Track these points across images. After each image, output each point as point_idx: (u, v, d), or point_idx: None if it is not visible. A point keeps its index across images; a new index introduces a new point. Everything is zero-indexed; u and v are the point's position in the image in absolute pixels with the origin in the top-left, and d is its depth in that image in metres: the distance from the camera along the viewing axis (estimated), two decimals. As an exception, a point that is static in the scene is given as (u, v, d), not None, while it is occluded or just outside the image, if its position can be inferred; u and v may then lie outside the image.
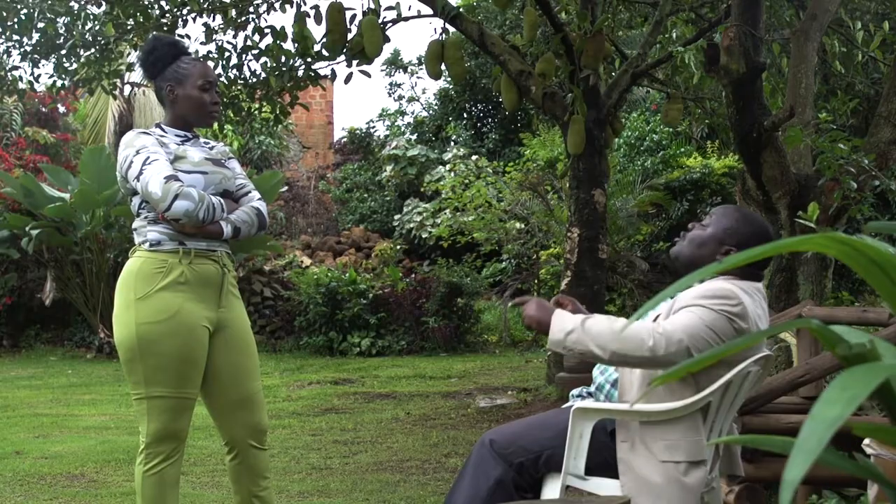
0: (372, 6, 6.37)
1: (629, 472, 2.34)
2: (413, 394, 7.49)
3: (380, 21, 6.31)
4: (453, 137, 15.68)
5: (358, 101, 32.14)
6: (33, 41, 6.90)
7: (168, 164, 2.62)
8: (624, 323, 2.28)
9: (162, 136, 2.74)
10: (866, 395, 0.74)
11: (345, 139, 17.59)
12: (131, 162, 2.63)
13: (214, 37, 6.95)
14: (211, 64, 7.00)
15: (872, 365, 0.81)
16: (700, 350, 2.26)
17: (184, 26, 7.15)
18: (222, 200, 2.70)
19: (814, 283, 4.91)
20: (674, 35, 7.84)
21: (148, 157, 2.60)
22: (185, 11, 6.87)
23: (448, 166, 13.54)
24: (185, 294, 2.64)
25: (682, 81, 7.54)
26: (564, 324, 2.32)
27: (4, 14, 6.68)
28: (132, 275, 2.64)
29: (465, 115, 16.10)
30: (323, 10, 6.30)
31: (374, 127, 17.38)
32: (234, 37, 7.21)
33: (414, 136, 16.31)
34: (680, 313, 2.31)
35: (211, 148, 2.86)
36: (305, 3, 6.92)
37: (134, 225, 2.73)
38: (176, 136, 2.77)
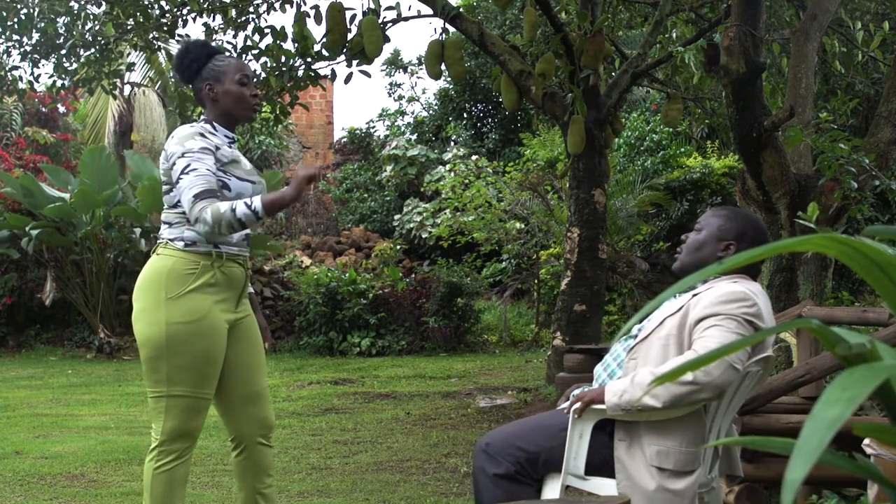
0: (372, 6, 6.38)
1: (623, 471, 2.36)
2: (413, 394, 7.49)
3: (380, 21, 6.31)
4: (453, 137, 15.68)
5: (358, 101, 32.18)
6: (33, 41, 6.91)
7: (205, 177, 2.58)
8: (666, 367, 2.29)
9: (213, 133, 2.73)
10: (866, 395, 0.74)
11: (345, 139, 17.59)
12: (174, 163, 2.63)
13: (214, 37, 6.96)
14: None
15: (872, 365, 0.81)
16: (741, 360, 2.28)
17: (184, 26, 7.15)
18: (256, 207, 2.57)
19: (814, 283, 4.91)
20: (674, 35, 7.84)
21: (188, 165, 2.59)
22: (185, 11, 6.87)
23: (448, 166, 13.55)
24: (214, 296, 2.66)
25: (682, 81, 7.55)
26: (616, 388, 2.35)
27: (4, 14, 6.68)
28: (163, 274, 2.62)
29: (465, 115, 16.10)
30: (323, 10, 6.31)
31: (374, 127, 17.39)
32: (234, 37, 7.22)
33: (414, 136, 16.31)
34: (708, 332, 2.31)
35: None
36: (305, 3, 6.93)
37: (167, 217, 2.69)
38: (225, 136, 2.77)
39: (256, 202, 2.56)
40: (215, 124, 2.77)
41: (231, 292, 2.73)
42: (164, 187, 2.72)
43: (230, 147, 2.75)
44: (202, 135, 2.67)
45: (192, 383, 2.62)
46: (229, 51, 6.95)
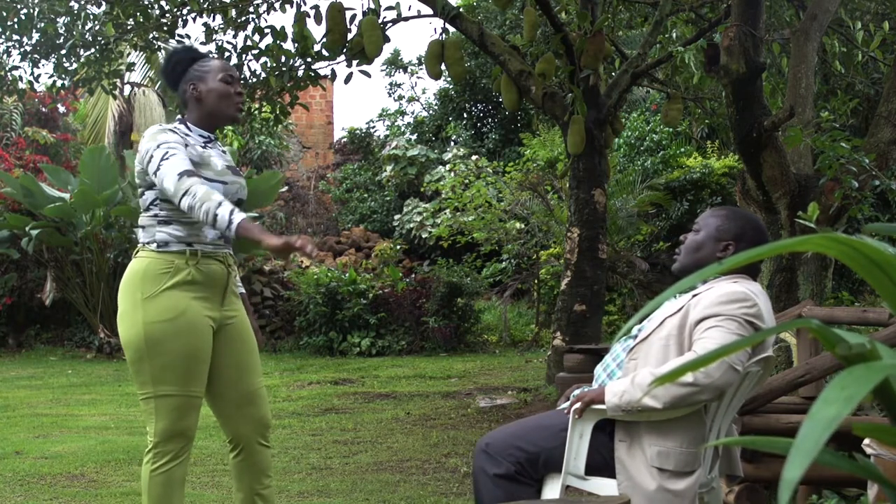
0: (372, 6, 6.38)
1: (624, 471, 2.36)
2: (413, 394, 7.49)
3: (380, 21, 6.31)
4: (453, 137, 15.68)
5: (358, 101, 32.16)
6: (33, 41, 6.90)
7: (185, 160, 2.60)
8: (666, 368, 2.29)
9: (187, 133, 2.73)
10: (864, 395, 0.74)
11: (345, 139, 17.59)
12: (151, 156, 2.63)
13: (214, 37, 6.96)
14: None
15: (871, 364, 0.81)
16: (741, 360, 2.28)
17: (184, 26, 7.15)
18: (234, 219, 2.48)
19: (814, 283, 4.91)
20: (674, 35, 7.84)
21: (167, 153, 2.60)
22: (185, 11, 6.87)
23: (448, 166, 13.54)
24: (192, 293, 2.65)
25: (682, 81, 7.55)
26: (616, 388, 2.35)
27: (4, 14, 6.68)
28: (138, 275, 2.64)
29: (465, 115, 16.10)
30: (323, 10, 6.31)
31: (374, 127, 17.38)
32: (234, 37, 7.22)
33: (414, 136, 16.31)
34: (708, 333, 2.31)
35: (224, 153, 2.87)
36: (305, 3, 6.93)
37: (141, 221, 2.72)
38: (200, 136, 2.77)
39: (239, 217, 2.48)
40: (190, 125, 2.77)
41: (212, 290, 2.71)
42: (139, 190, 2.73)
43: (204, 147, 2.73)
44: (171, 130, 2.68)
45: (179, 382, 2.61)
46: (229, 51, 6.95)
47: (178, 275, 2.63)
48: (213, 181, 2.68)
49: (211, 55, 2.89)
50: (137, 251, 2.71)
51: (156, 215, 2.68)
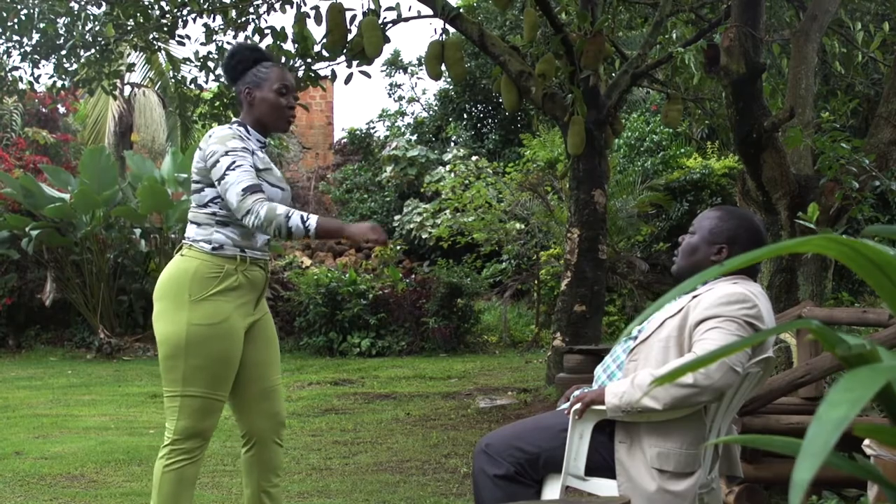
0: (372, 6, 6.38)
1: (624, 472, 2.35)
2: (413, 394, 7.49)
3: (380, 21, 6.31)
4: (453, 138, 15.67)
5: (358, 101, 32.18)
6: (33, 41, 6.91)
7: (250, 172, 2.62)
8: (665, 369, 2.28)
9: (247, 137, 2.76)
10: (871, 396, 0.74)
11: (345, 140, 17.58)
12: (217, 160, 2.64)
13: (214, 37, 6.96)
14: (211, 65, 7.01)
15: (876, 366, 0.81)
16: (741, 362, 2.27)
17: (184, 27, 7.15)
18: (310, 225, 2.57)
19: (814, 284, 4.91)
20: (674, 36, 7.83)
21: (234, 162, 2.62)
22: (185, 12, 6.87)
23: (448, 167, 13.54)
24: (235, 300, 2.69)
25: (682, 82, 7.54)
26: (616, 389, 2.35)
27: (4, 14, 6.68)
28: (187, 275, 2.65)
29: (465, 116, 16.09)
30: (323, 11, 6.31)
31: (374, 127, 17.37)
32: (234, 37, 7.21)
33: (414, 137, 16.30)
34: (708, 334, 2.30)
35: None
36: (305, 4, 6.93)
37: (195, 217, 2.72)
38: (257, 140, 2.80)
39: (313, 221, 2.57)
40: (248, 128, 2.80)
41: (251, 295, 2.77)
42: (195, 185, 2.74)
43: (262, 151, 2.79)
44: (238, 137, 2.71)
45: (207, 384, 2.65)
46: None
47: (226, 280, 2.67)
48: (275, 186, 2.75)
49: (271, 61, 2.90)
50: (183, 247, 2.72)
51: (214, 214, 2.69)
